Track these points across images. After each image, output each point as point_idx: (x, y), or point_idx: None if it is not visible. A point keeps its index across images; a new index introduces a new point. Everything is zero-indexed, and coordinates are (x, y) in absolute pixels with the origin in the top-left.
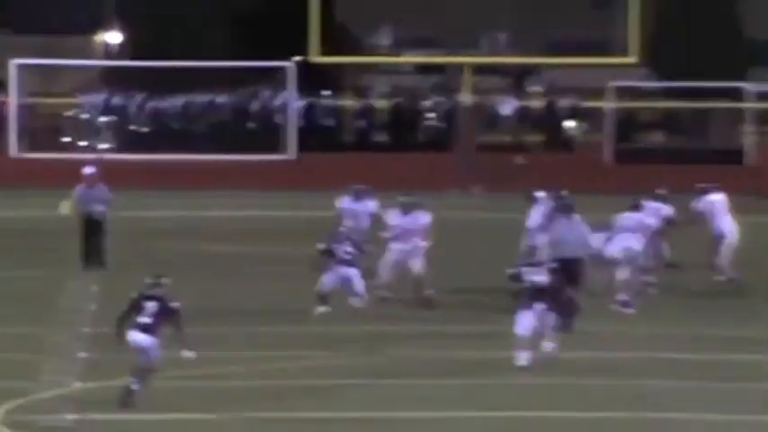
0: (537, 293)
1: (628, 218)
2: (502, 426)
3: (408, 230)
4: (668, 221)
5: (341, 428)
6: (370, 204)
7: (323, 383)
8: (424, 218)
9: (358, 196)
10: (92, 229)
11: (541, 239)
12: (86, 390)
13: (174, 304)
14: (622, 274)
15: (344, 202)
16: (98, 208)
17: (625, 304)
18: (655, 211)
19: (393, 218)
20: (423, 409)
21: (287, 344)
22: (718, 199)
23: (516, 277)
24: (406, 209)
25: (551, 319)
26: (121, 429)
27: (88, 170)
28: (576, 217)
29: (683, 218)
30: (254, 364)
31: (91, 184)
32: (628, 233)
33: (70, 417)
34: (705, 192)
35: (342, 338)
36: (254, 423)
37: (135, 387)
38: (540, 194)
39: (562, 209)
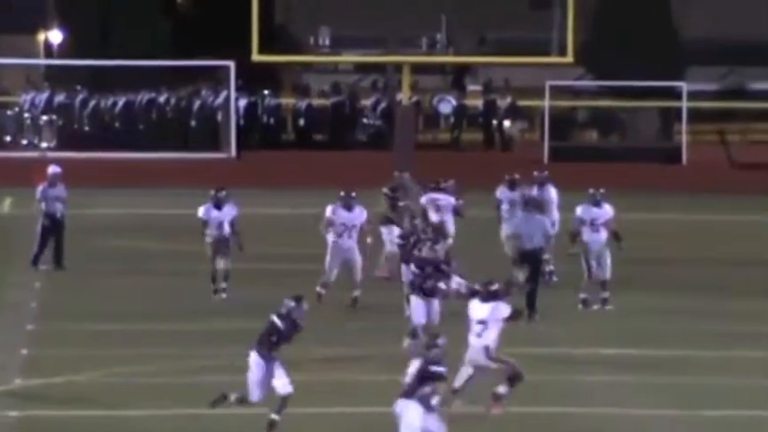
0: None
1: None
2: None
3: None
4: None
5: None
6: (231, 210)
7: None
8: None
9: (219, 203)
10: (53, 228)
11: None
12: (28, 386)
13: None
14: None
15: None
16: (59, 207)
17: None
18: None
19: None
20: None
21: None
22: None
23: None
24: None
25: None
26: (62, 426)
27: (53, 169)
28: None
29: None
30: (186, 361)
31: (53, 183)
32: None
33: (12, 413)
34: (543, 182)
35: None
36: (179, 420)
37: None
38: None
39: (525, 203)
